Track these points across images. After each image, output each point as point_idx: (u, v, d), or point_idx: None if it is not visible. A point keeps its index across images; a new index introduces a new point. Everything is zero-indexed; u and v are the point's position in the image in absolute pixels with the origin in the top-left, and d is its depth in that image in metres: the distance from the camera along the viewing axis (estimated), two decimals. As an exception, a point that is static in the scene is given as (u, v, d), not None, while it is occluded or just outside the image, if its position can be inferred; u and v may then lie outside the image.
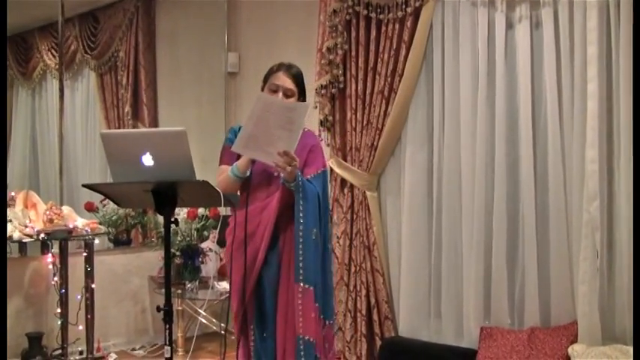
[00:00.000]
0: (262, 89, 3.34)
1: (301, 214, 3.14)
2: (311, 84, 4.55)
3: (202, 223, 5.03)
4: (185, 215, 4.96)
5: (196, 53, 5.92)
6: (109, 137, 2.86)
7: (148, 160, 2.75)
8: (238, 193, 3.32)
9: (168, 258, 3.02)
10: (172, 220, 2.97)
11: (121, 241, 5.39)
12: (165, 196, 2.86)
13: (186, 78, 5.98)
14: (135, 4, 5.77)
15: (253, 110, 3.03)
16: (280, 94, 3.24)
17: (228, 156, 3.27)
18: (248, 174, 3.22)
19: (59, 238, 4.42)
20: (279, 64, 3.33)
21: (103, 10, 5.77)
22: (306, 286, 3.13)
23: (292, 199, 3.17)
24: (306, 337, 3.11)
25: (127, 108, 5.72)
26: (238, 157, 3.19)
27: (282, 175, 3.14)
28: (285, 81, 3.26)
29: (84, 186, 2.94)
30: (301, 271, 3.14)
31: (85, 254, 4.58)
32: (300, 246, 3.14)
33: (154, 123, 5.78)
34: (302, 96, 3.34)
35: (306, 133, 3.35)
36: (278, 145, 3.02)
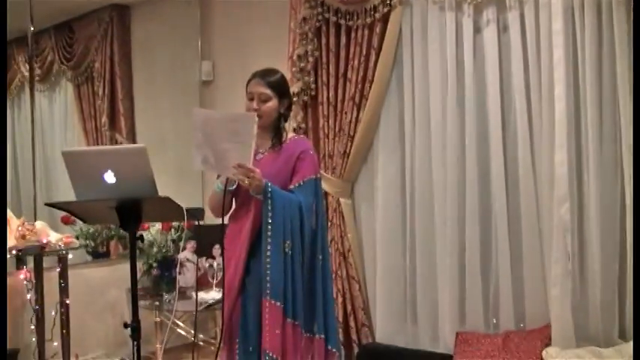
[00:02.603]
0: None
1: (269, 227, 3.09)
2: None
3: (178, 234, 5.05)
4: (159, 227, 4.97)
5: (171, 62, 5.92)
6: (70, 155, 2.86)
7: (109, 177, 2.77)
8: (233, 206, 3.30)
9: (134, 274, 3.02)
10: (137, 236, 2.99)
11: (99, 253, 5.39)
12: (129, 212, 2.88)
13: (161, 87, 5.97)
14: (109, 13, 5.75)
15: (194, 127, 3.02)
16: (255, 102, 3.21)
17: None
18: (234, 186, 3.19)
19: (32, 254, 4.42)
20: (254, 72, 3.30)
21: (78, 20, 5.73)
22: (273, 301, 3.06)
23: None
24: (271, 354, 3.06)
25: (104, 119, 5.71)
26: None
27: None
28: (257, 87, 3.23)
29: (47, 205, 2.95)
30: (268, 285, 3.07)
31: (58, 269, 4.59)
32: (268, 259, 3.08)
33: (132, 133, 5.77)
34: (283, 98, 3.28)
35: (295, 140, 3.34)
36: (230, 159, 2.98)
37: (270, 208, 3.09)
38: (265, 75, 3.27)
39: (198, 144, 3.02)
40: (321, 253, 3.25)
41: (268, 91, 3.22)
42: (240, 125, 2.97)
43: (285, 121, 3.35)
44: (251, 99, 3.24)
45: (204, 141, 3.01)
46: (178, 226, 5.04)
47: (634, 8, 3.51)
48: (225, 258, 3.26)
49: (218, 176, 3.31)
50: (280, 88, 3.28)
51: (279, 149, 3.27)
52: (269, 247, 3.09)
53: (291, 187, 3.19)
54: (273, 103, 3.23)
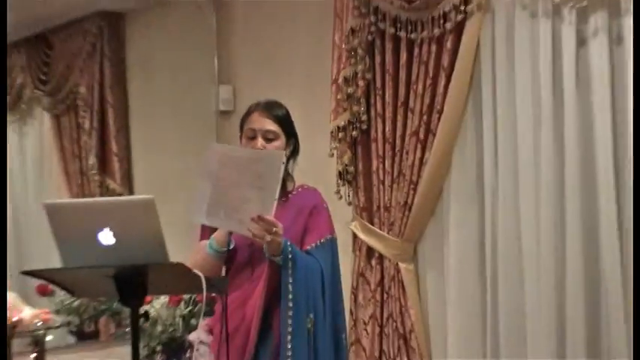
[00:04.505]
0: (240, 139, 3.50)
1: (290, 296, 3.23)
2: (326, 124, 4.71)
3: (189, 308, 5.03)
4: (165, 300, 4.97)
5: (179, 87, 5.95)
6: (54, 209, 2.88)
7: (106, 237, 2.79)
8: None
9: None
10: (142, 313, 3.03)
11: (86, 333, 5.41)
12: (131, 283, 2.90)
13: (166, 119, 6.01)
14: (98, 24, 5.79)
15: (206, 166, 3.17)
16: (260, 141, 3.38)
17: (207, 228, 3.39)
18: (231, 246, 3.34)
19: (-2, 335, 4.46)
20: (254, 103, 3.51)
21: (57, 32, 5.78)
22: None
23: None
24: None
25: (92, 159, 5.75)
26: None
27: (264, 247, 3.22)
28: (262, 122, 3.41)
29: (23, 273, 2.95)
30: None
31: (34, 355, 4.59)
32: (289, 337, 3.21)
33: (127, 179, 5.83)
34: (291, 139, 3.49)
35: (305, 191, 3.56)
36: (248, 209, 3.10)
37: (290, 272, 3.25)
38: (270, 107, 3.47)
39: (206, 190, 3.17)
40: (343, 329, 3.51)
41: (275, 128, 3.42)
42: (264, 166, 3.13)
43: (292, 161, 3.54)
44: (252, 137, 3.41)
45: (216, 186, 3.15)
46: (190, 298, 5.04)
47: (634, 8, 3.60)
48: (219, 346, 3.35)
49: (204, 232, 3.46)
50: (288, 124, 3.50)
51: (285, 201, 3.44)
52: (290, 322, 3.24)
53: (308, 248, 3.39)
54: (280, 143, 3.42)
